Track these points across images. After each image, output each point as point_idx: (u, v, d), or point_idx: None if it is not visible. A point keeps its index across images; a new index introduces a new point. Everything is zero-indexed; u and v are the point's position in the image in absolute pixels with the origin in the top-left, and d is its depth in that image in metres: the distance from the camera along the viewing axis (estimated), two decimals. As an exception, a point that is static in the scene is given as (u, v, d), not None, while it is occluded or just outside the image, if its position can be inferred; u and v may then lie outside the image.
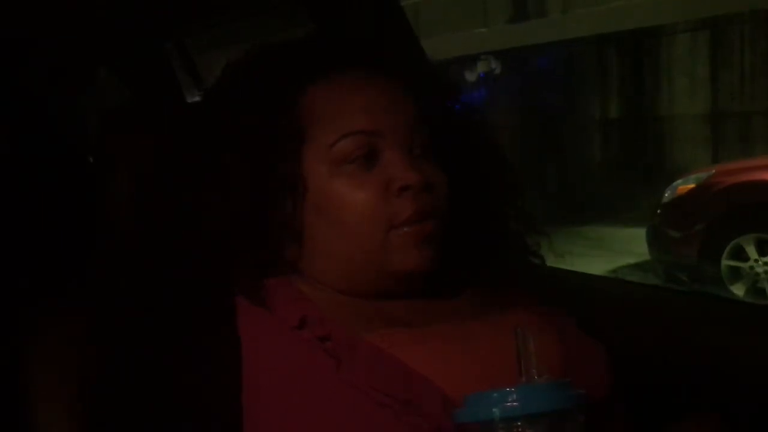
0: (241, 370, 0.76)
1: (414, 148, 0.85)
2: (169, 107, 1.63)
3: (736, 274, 4.67)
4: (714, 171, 5.07)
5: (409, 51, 1.33)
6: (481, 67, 9.14)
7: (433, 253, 0.84)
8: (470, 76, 8.98)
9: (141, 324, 0.83)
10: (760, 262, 4.57)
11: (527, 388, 0.65)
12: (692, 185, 4.89)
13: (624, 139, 8.52)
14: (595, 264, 5.42)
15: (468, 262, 0.92)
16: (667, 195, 5.00)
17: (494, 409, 0.63)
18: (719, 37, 7.67)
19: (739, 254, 4.63)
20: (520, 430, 0.63)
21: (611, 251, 6.26)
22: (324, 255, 0.85)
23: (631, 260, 5.81)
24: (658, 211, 5.05)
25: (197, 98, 1.84)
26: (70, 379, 0.87)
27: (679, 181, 5.05)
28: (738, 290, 4.65)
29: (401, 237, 0.82)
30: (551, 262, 0.99)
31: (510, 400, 0.63)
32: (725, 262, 4.66)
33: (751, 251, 4.58)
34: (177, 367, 0.79)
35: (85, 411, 0.84)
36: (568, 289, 1.02)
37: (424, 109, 0.87)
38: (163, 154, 0.95)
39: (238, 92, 0.88)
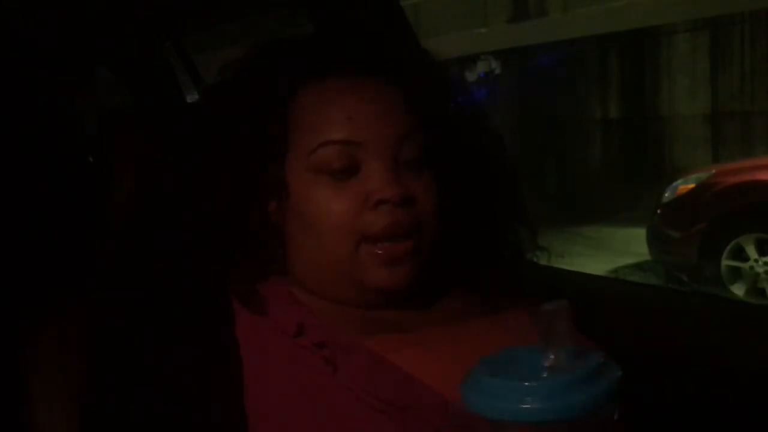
0: (239, 376, 0.76)
1: (400, 158, 0.83)
2: (169, 107, 1.63)
3: (736, 274, 4.66)
4: (714, 171, 5.07)
5: (409, 51, 1.32)
6: (481, 67, 9.13)
7: (407, 271, 0.82)
8: (470, 76, 8.97)
9: (141, 324, 0.83)
10: (760, 262, 4.57)
11: (552, 384, 0.57)
12: (692, 185, 4.89)
13: (624, 139, 8.51)
14: (595, 264, 5.42)
15: (465, 264, 0.91)
16: (667, 195, 4.99)
17: (514, 407, 0.56)
18: (719, 37, 7.66)
19: (739, 254, 4.63)
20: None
21: (611, 251, 6.25)
22: (304, 262, 0.84)
23: (631, 260, 5.81)
24: (658, 211, 5.05)
25: (197, 98, 1.84)
26: (70, 379, 0.87)
27: (679, 181, 5.05)
28: (738, 290, 4.65)
29: (370, 255, 0.80)
30: (551, 262, 0.99)
31: (530, 399, 0.56)
32: (725, 262, 4.66)
33: (751, 251, 4.58)
34: (176, 370, 0.78)
35: (85, 411, 0.84)
36: (568, 289, 1.02)
37: (423, 113, 0.86)
38: (163, 154, 0.96)
39: (229, 94, 0.88)
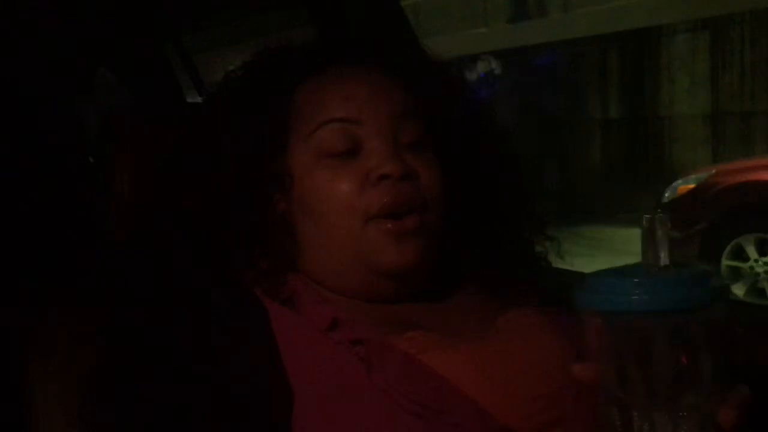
0: (253, 375, 0.75)
1: (400, 140, 0.83)
2: (169, 107, 1.63)
3: (736, 274, 4.66)
4: (714, 171, 5.06)
5: (408, 51, 1.33)
6: (481, 67, 9.14)
7: (417, 248, 0.81)
8: (470, 76, 8.98)
9: (140, 324, 0.83)
10: (760, 262, 4.57)
11: (662, 280, 0.61)
12: (692, 185, 4.89)
13: (624, 139, 8.52)
14: (595, 264, 5.36)
15: (473, 260, 0.91)
16: (667, 195, 4.99)
17: (627, 299, 0.59)
18: (719, 37, 7.67)
19: (739, 254, 4.63)
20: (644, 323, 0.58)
21: (611, 251, 6.25)
22: (314, 252, 0.84)
23: (631, 260, 5.80)
24: (658, 211, 5.04)
25: (197, 98, 1.85)
26: (70, 380, 0.87)
27: (679, 181, 5.04)
28: (738, 290, 4.65)
29: (378, 232, 0.80)
30: (551, 262, 0.99)
31: (637, 292, 0.60)
32: (725, 262, 4.66)
33: (751, 251, 4.58)
34: (175, 370, 0.78)
35: (86, 412, 0.84)
36: (569, 289, 1.01)
37: (423, 106, 0.86)
38: (163, 154, 0.96)
39: (230, 94, 0.89)
